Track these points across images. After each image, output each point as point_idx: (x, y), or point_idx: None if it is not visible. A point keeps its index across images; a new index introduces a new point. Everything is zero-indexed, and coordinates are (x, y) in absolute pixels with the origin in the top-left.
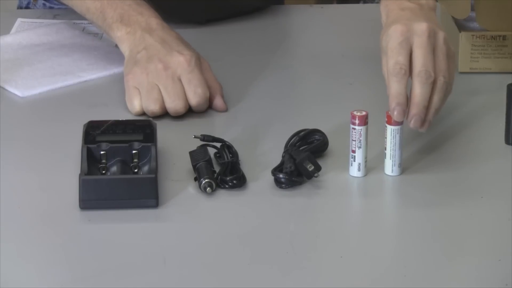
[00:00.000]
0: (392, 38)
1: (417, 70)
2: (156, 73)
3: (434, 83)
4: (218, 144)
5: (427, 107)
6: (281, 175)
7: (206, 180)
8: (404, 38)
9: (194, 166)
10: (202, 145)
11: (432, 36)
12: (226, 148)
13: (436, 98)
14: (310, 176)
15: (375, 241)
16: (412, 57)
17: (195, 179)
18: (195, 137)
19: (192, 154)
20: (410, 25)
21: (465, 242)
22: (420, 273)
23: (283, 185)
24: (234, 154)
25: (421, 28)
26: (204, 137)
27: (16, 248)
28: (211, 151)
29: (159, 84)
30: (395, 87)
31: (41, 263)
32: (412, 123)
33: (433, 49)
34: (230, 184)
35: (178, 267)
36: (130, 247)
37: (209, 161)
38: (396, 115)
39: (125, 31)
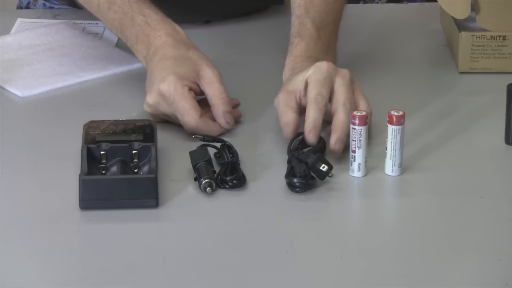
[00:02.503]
0: (318, 71)
1: (342, 101)
2: (157, 107)
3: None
4: (218, 144)
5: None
6: (295, 180)
7: (206, 180)
8: (328, 75)
9: (194, 166)
10: (202, 145)
11: (352, 81)
12: (226, 148)
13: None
14: (324, 176)
15: (375, 241)
16: (335, 92)
17: (195, 179)
18: (195, 137)
19: (192, 154)
20: (334, 66)
21: (465, 242)
22: (420, 273)
23: (298, 189)
24: (234, 154)
25: (344, 72)
26: (204, 137)
27: (16, 248)
28: (211, 151)
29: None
30: (313, 114)
31: (41, 263)
32: (336, 145)
33: (352, 91)
34: (230, 184)
35: (178, 267)
36: (130, 247)
37: (209, 161)
38: (311, 137)
39: (142, 56)
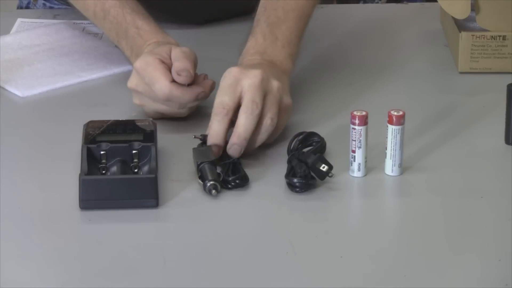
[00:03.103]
0: (225, 78)
1: (244, 103)
2: (137, 89)
3: (260, 122)
4: None
5: (247, 139)
6: (295, 180)
7: (212, 182)
8: (235, 80)
9: (198, 165)
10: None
11: (265, 81)
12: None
13: (259, 136)
14: (324, 176)
15: (375, 241)
16: (242, 96)
17: (200, 177)
18: (195, 137)
19: (195, 151)
20: (245, 69)
21: (465, 242)
22: (420, 273)
23: (298, 189)
24: None
25: (254, 73)
26: (204, 137)
27: (16, 248)
28: None
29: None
30: (214, 127)
31: (41, 263)
32: (231, 151)
33: (264, 93)
34: (232, 184)
35: (178, 267)
36: (130, 247)
37: (213, 162)
38: (212, 154)
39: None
